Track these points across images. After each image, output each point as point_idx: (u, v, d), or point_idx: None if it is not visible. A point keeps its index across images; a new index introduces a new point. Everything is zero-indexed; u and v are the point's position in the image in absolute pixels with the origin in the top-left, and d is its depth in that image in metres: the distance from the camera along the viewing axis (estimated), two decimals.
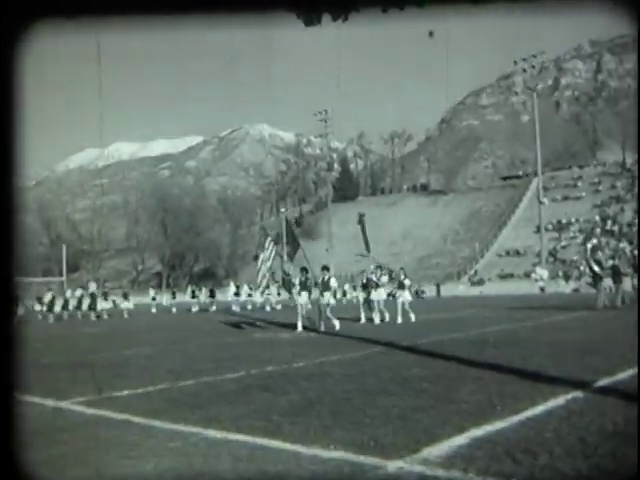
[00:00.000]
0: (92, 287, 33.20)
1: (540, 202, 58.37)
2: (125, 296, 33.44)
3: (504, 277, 58.82)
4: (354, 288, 41.63)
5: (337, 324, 15.47)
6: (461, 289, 55.28)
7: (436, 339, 12.18)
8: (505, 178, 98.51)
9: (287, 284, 17.88)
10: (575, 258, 53.88)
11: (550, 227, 64.39)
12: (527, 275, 54.29)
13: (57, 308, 30.78)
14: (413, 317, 17.40)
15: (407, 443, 4.26)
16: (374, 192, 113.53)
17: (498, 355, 8.97)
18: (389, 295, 18.78)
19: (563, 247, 61.25)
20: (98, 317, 29.88)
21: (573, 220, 65.88)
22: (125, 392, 7.04)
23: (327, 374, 7.83)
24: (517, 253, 64.62)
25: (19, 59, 2.91)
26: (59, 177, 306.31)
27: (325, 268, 16.56)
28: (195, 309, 35.99)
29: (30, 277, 64.50)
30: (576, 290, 44.15)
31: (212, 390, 6.96)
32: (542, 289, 46.06)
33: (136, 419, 5.50)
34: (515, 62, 62.96)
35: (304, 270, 16.38)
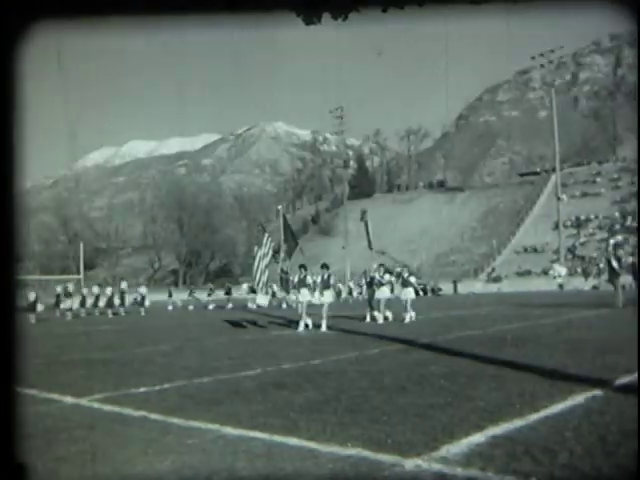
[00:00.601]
0: (123, 285, 33.49)
1: (558, 198, 57.87)
2: (141, 293, 33.64)
3: (522, 274, 58.36)
4: (359, 286, 41.44)
5: (324, 325, 15.00)
6: (478, 286, 54.96)
7: (453, 336, 12.11)
8: (523, 174, 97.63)
9: (285, 283, 17.41)
10: (594, 255, 53.32)
11: (569, 224, 63.73)
12: (545, 272, 53.85)
13: (75, 305, 31.05)
14: (413, 316, 16.93)
15: (425, 441, 4.24)
16: (390, 189, 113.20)
17: (516, 353, 8.90)
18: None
19: (582, 244, 60.61)
20: (115, 314, 30.10)
21: (592, 217, 65.14)
22: (142, 389, 7.07)
23: (344, 371, 7.83)
24: (535, 250, 64.07)
25: (19, 59, 2.92)
26: (76, 176, 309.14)
27: (325, 266, 16.12)
28: (211, 306, 36.17)
29: (48, 275, 65.24)
30: (595, 287, 43.68)
31: (229, 387, 6.97)
32: (560, 286, 45.67)
33: (153, 416, 5.53)
34: (533, 57, 62.35)
35: (303, 267, 16.05)
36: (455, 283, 54.44)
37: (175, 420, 5.30)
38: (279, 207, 18.75)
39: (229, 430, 4.82)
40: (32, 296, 29.15)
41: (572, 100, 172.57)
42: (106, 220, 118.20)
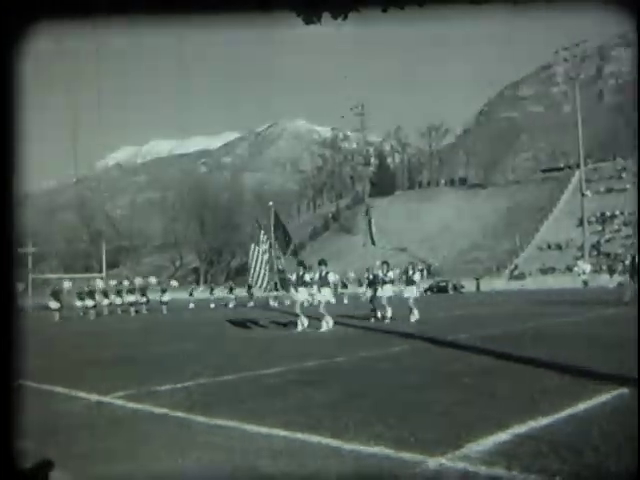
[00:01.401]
0: (153, 281, 33.87)
1: (583, 194, 57.13)
2: (163, 292, 33.88)
3: (545, 271, 57.74)
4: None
5: (330, 323, 14.61)
6: (501, 283, 54.47)
7: (476, 334, 12.02)
8: (546, 170, 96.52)
9: (283, 281, 16.52)
10: (620, 251, 52.53)
11: (593, 220, 62.91)
12: (569, 269, 53.24)
13: (90, 303, 31.38)
14: (416, 314, 16.19)
15: (448, 439, 4.21)
16: (411, 186, 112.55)
17: (540, 350, 8.81)
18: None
19: (607, 240, 59.78)
20: (137, 312, 30.36)
21: (617, 213, 64.18)
22: (165, 387, 7.13)
23: (367, 369, 7.82)
24: (559, 247, 63.35)
25: (19, 59, 2.94)
26: (98, 175, 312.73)
27: (322, 262, 15.54)
28: (232, 304, 36.32)
29: (71, 273, 66.07)
30: (621, 284, 42.97)
31: (252, 385, 7.00)
32: (585, 283, 45.10)
33: (177, 413, 5.57)
34: (556, 51, 61.54)
35: (301, 264, 15.59)
36: (477, 280, 54.02)
37: (198, 418, 5.33)
38: (270, 203, 17.87)
39: (252, 427, 4.84)
40: (60, 284, 29.60)
41: (597, 94, 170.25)
42: (128, 219, 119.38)
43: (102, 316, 29.76)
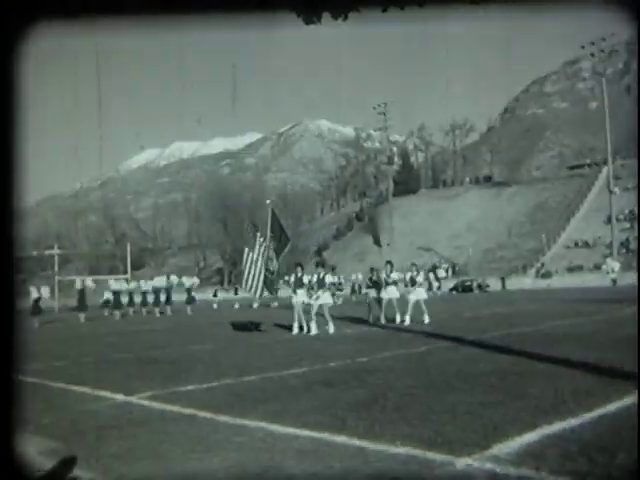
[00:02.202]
0: (188, 282, 33.96)
1: (611, 191, 56.19)
2: (188, 292, 34.12)
3: (573, 269, 56.93)
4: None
5: (332, 327, 14.14)
6: (527, 282, 53.83)
7: (502, 333, 11.89)
8: (572, 167, 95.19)
9: (270, 284, 15.66)
10: None
11: (622, 217, 61.83)
12: (597, 267, 52.33)
13: (124, 298, 31.75)
14: (426, 319, 15.42)
15: (475, 439, 4.17)
16: (435, 185, 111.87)
17: (568, 350, 8.67)
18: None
19: (636, 238, 58.70)
20: (162, 313, 30.60)
21: None
22: (190, 387, 7.17)
23: (391, 369, 7.78)
24: (586, 244, 62.41)
25: (19, 59, 2.95)
26: (122, 177, 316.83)
27: (320, 264, 15.15)
28: (256, 305, 36.44)
29: (97, 275, 67.00)
30: None
31: (276, 385, 7.01)
32: (614, 281, 44.31)
33: (202, 414, 5.59)
34: (582, 46, 60.61)
35: (299, 266, 15.27)
36: (503, 279, 53.47)
37: (223, 418, 5.35)
38: (267, 201, 17.31)
39: (277, 428, 4.84)
40: (81, 282, 29.96)
41: (624, 89, 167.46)
42: (152, 220, 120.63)
43: (127, 317, 30.08)
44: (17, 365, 3.09)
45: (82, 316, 28.25)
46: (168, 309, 31.33)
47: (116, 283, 32.62)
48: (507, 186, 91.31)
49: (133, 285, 34.07)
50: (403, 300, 16.31)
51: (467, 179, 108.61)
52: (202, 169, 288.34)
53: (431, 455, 3.89)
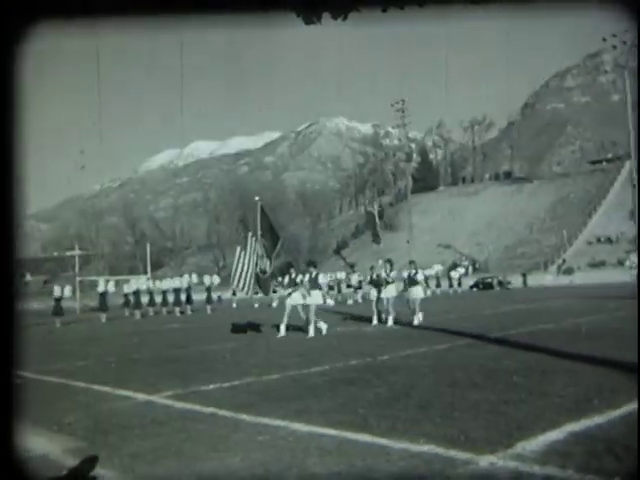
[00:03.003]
0: (207, 281, 34.13)
1: (634, 186, 55.34)
2: (208, 291, 34.24)
3: (595, 265, 56.23)
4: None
5: (324, 328, 13.63)
6: (549, 279, 53.30)
7: (525, 330, 11.78)
8: (594, 162, 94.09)
9: (263, 283, 15.01)
10: None
11: None
12: (620, 263, 51.61)
13: (144, 298, 32.00)
14: (421, 317, 15.03)
15: (499, 438, 4.13)
16: (455, 181, 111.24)
17: (592, 347, 8.56)
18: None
19: None
20: (182, 313, 30.75)
21: None
22: (212, 386, 7.19)
23: (413, 367, 7.73)
24: (609, 240, 61.61)
25: (19, 59, 2.96)
26: (142, 177, 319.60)
27: (311, 264, 14.54)
28: (275, 303, 36.53)
29: (117, 275, 67.61)
30: None
31: (298, 384, 7.00)
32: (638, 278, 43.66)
33: (223, 413, 5.60)
34: (604, 39, 59.75)
35: (290, 265, 14.78)
36: (524, 276, 52.96)
37: (245, 417, 5.36)
38: (256, 198, 16.59)
39: (299, 426, 4.83)
40: (104, 285, 30.24)
41: None
42: (171, 220, 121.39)
43: (147, 317, 30.30)
44: (17, 365, 3.10)
45: (103, 316, 28.54)
46: (188, 308, 31.48)
47: (135, 282, 32.85)
48: (528, 182, 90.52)
49: (153, 284, 34.30)
50: (401, 300, 15.91)
51: (487, 175, 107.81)
52: (221, 168, 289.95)
53: (454, 453, 3.86)
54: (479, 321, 15.08)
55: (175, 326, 21.68)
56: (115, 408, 6.29)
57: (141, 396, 6.87)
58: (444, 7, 3.33)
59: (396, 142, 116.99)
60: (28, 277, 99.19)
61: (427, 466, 3.66)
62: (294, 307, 14.29)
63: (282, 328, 13.84)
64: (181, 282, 32.23)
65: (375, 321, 15.89)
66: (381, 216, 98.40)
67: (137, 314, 30.50)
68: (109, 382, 8.03)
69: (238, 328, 16.37)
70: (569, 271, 55.83)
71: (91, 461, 4.22)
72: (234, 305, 38.37)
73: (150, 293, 33.47)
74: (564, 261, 60.27)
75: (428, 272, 41.79)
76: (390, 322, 15.07)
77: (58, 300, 27.07)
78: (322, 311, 17.33)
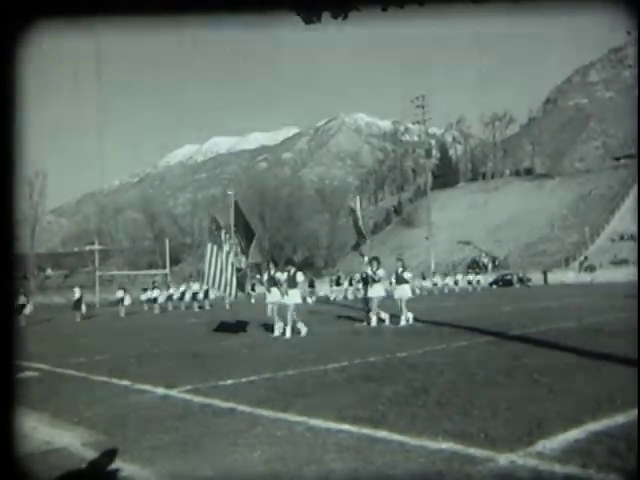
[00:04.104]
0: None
1: None
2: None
3: (618, 263, 55.50)
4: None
5: (304, 329, 13.06)
6: (570, 276, 52.66)
7: (545, 328, 11.66)
8: (618, 158, 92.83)
9: (241, 280, 14.45)
10: None
11: None
12: None
13: (161, 299, 32.20)
14: (410, 318, 14.60)
15: (519, 436, 4.09)
16: (475, 178, 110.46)
17: (615, 345, 8.44)
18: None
19: None
20: (200, 308, 30.92)
21: None
22: (230, 381, 7.21)
23: (432, 364, 7.69)
24: (632, 237, 60.73)
25: (19, 59, 2.96)
26: (161, 173, 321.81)
27: (290, 262, 14.06)
28: (253, 300, 36.57)
29: (136, 270, 68.01)
30: None
31: (316, 380, 6.99)
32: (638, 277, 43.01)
33: (241, 408, 5.62)
34: (628, 32, 58.77)
35: (273, 262, 14.24)
36: (545, 273, 52.45)
37: (263, 412, 5.36)
38: (229, 192, 15.84)
39: (317, 422, 4.83)
40: (120, 292, 30.58)
41: None
42: (190, 216, 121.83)
43: (166, 311, 30.53)
44: (17, 363, 3.12)
45: (122, 310, 28.85)
46: (206, 303, 31.66)
47: (153, 291, 33.01)
48: (549, 178, 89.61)
49: (170, 291, 34.43)
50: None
51: (507, 172, 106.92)
52: (239, 164, 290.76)
53: (473, 451, 3.83)
54: (499, 318, 14.96)
55: (193, 321, 21.80)
56: (134, 402, 6.33)
57: (160, 390, 6.91)
58: (444, 6, 3.32)
59: (416, 138, 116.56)
60: (49, 271, 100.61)
61: (446, 463, 3.63)
62: (275, 304, 13.69)
63: (277, 327, 13.42)
64: (200, 286, 32.30)
65: (365, 322, 15.11)
66: (399, 212, 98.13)
67: (155, 309, 30.77)
68: (128, 376, 8.10)
69: (227, 327, 15.72)
70: (591, 269, 55.13)
71: (110, 454, 4.26)
72: (252, 300, 38.49)
73: (168, 287, 33.80)
74: (586, 258, 59.55)
75: (449, 279, 41.57)
76: (373, 322, 14.54)
77: (79, 300, 27.63)
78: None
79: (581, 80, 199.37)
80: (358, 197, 20.84)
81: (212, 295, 33.05)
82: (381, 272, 14.93)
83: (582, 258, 60.08)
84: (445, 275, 40.36)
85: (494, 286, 47.63)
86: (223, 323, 16.40)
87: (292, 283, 13.28)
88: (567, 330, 11.14)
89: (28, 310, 24.06)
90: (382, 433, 4.37)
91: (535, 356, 7.90)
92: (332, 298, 35.12)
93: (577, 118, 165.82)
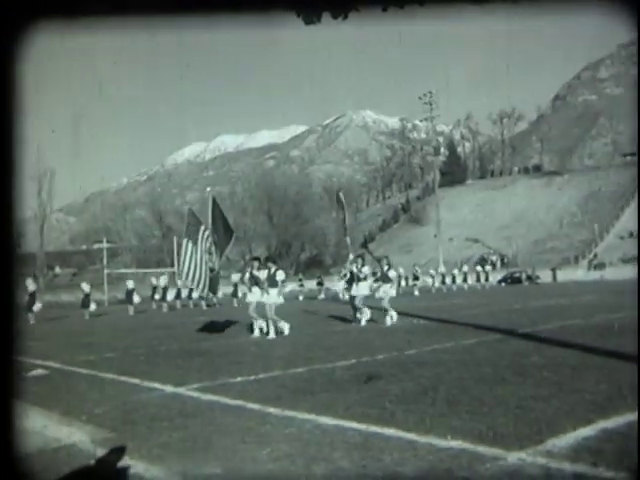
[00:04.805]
0: (235, 278, 34.51)
1: None
2: (235, 286, 34.48)
3: (627, 261, 55.16)
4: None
5: (286, 328, 12.81)
6: (579, 274, 52.49)
7: (554, 326, 11.62)
8: (627, 155, 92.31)
9: (212, 282, 13.70)
10: None
11: None
12: None
13: (169, 297, 32.26)
14: (394, 317, 14.27)
15: (528, 434, 4.07)
16: (483, 175, 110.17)
17: (624, 343, 8.38)
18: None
19: None
20: (209, 306, 30.98)
21: None
22: (239, 379, 7.22)
23: (440, 362, 7.67)
24: None
25: (19, 59, 2.96)
26: (168, 171, 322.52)
27: (269, 259, 13.62)
28: (301, 297, 36.63)
29: (144, 268, 68.16)
30: None
31: (324, 377, 6.99)
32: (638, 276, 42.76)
33: (250, 405, 5.62)
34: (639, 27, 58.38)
35: (256, 260, 13.73)
36: (554, 271, 52.27)
37: (272, 409, 5.36)
38: (208, 189, 15.02)
39: (326, 420, 4.82)
40: (130, 283, 30.65)
41: None
42: (198, 214, 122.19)
43: (175, 310, 30.61)
44: (17, 361, 3.12)
45: (131, 309, 28.93)
46: (214, 301, 31.70)
47: (162, 279, 33.11)
48: (558, 175, 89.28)
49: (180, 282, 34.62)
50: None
51: (516, 169, 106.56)
52: (247, 162, 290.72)
53: (482, 449, 3.81)
54: (507, 316, 14.91)
55: (202, 319, 21.83)
56: (143, 399, 6.35)
57: (169, 388, 6.93)
58: (444, 6, 3.32)
59: (424, 135, 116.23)
60: (57, 269, 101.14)
61: (454, 461, 3.62)
62: (255, 304, 13.22)
63: (256, 327, 13.16)
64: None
65: (353, 322, 14.76)
66: (407, 209, 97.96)
67: (164, 307, 30.85)
68: (137, 374, 8.12)
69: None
70: (600, 266, 54.93)
71: (119, 452, 4.27)
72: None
73: (178, 287, 33.87)
74: (595, 256, 59.32)
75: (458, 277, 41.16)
76: (363, 322, 14.24)
77: (87, 295, 27.72)
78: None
79: (590, 76, 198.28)
80: (342, 191, 20.12)
81: (220, 294, 33.09)
82: (366, 269, 14.69)
83: (591, 256, 59.86)
84: (453, 275, 40.18)
85: (503, 284, 47.48)
86: (212, 323, 16.35)
87: (272, 282, 12.81)
88: (576, 328, 11.09)
89: (36, 307, 24.18)
90: (390, 431, 4.37)
91: (544, 354, 7.86)
92: (341, 296, 35.13)
93: (586, 115, 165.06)
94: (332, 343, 10.93)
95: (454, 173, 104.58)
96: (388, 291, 14.70)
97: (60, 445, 4.68)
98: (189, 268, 13.30)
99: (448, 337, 10.60)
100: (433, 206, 77.10)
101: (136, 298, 30.01)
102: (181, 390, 6.75)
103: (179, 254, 14.38)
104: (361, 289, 14.51)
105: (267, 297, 12.71)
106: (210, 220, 13.87)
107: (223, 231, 14.28)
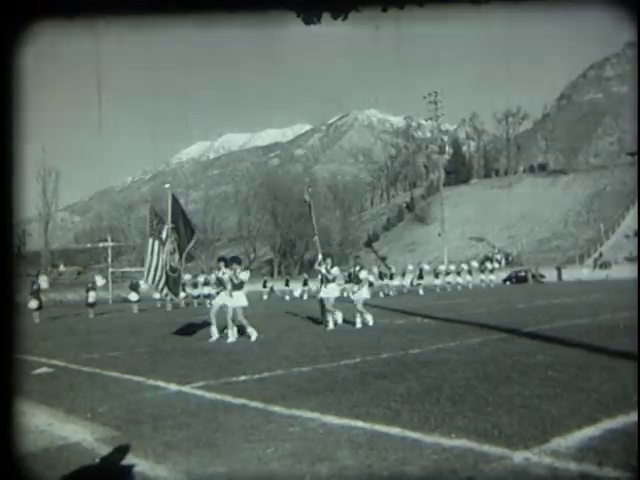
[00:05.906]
0: (243, 277, 34.60)
1: None
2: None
3: (633, 259, 54.96)
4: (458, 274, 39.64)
5: (254, 335, 11.94)
6: (585, 273, 52.33)
7: (559, 325, 11.57)
8: (633, 154, 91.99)
9: (173, 284, 13.02)
10: None
11: None
12: None
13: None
14: (370, 320, 13.80)
15: (534, 433, 4.06)
16: (488, 174, 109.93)
17: (630, 342, 8.32)
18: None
19: None
20: (175, 307, 30.94)
21: None
22: (242, 377, 7.22)
23: (445, 361, 7.65)
24: None
25: (19, 59, 2.96)
26: (173, 170, 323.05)
27: (235, 259, 12.92)
28: (306, 296, 36.65)
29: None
30: None
31: (328, 376, 6.98)
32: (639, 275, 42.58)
33: (254, 404, 5.62)
34: None
35: (223, 261, 13.08)
36: (559, 270, 52.16)
37: (276, 408, 5.36)
38: (166, 186, 14.35)
39: (330, 419, 4.82)
40: (141, 283, 30.72)
41: None
42: (202, 213, 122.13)
43: (179, 308, 30.61)
44: (16, 360, 3.12)
45: (135, 307, 28.97)
46: (179, 301, 31.69)
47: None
48: (563, 174, 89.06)
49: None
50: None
51: (521, 168, 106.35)
52: (251, 161, 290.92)
53: (487, 448, 3.80)
54: (512, 315, 14.86)
55: (206, 317, 21.83)
56: (147, 398, 6.35)
57: (173, 386, 6.93)
58: (444, 7, 3.31)
59: (428, 134, 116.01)
60: (62, 268, 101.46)
61: (460, 460, 3.61)
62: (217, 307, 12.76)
63: (213, 331, 12.65)
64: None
65: (325, 325, 14.08)
66: (411, 208, 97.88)
67: (168, 305, 30.86)
68: (141, 372, 8.13)
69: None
70: (606, 265, 54.75)
71: (124, 450, 4.27)
72: (265, 297, 38.50)
73: (182, 285, 33.84)
74: (600, 255, 59.14)
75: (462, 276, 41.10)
76: (330, 325, 13.71)
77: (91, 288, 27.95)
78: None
79: (596, 75, 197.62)
80: (309, 187, 19.57)
81: (182, 294, 33.02)
82: (335, 270, 14.23)
83: (597, 255, 59.67)
84: (458, 273, 40.05)
85: (507, 283, 47.39)
86: (190, 324, 16.35)
87: (236, 284, 12.15)
88: (582, 327, 11.04)
89: (35, 304, 24.31)
90: (395, 430, 4.36)
91: (550, 353, 7.83)
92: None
93: (592, 113, 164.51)
94: (336, 342, 10.92)
95: (459, 172, 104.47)
96: (361, 293, 14.16)
97: (65, 443, 4.69)
98: (150, 268, 12.76)
99: (453, 336, 10.57)
100: (438, 205, 77.10)
101: (133, 297, 29.95)
102: (185, 388, 6.75)
103: (145, 255, 13.60)
104: (330, 291, 13.95)
105: (230, 300, 12.08)
106: (170, 218, 13.22)
107: (184, 229, 13.60)
